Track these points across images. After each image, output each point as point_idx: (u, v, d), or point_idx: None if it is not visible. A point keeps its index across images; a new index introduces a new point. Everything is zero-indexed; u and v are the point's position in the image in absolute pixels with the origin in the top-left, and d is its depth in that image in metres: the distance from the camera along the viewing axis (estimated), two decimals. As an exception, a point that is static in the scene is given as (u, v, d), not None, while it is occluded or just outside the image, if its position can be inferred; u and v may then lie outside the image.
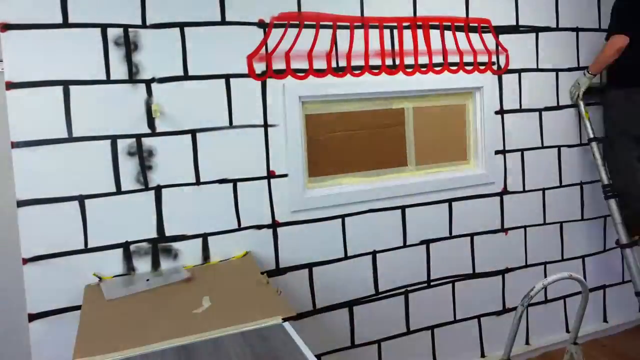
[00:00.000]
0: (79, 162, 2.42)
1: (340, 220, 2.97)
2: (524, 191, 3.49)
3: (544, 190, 3.56)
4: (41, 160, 2.36)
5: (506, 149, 3.40)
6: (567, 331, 3.71)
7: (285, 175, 2.82)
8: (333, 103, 2.97)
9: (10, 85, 2.30)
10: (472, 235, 3.35)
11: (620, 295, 3.90)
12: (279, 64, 2.78)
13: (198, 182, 2.64)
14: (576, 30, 3.59)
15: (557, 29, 3.52)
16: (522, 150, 3.46)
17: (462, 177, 3.29)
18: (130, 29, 2.47)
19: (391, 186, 3.08)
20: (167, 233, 2.60)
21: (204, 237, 2.67)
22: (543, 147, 3.54)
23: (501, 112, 3.36)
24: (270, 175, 2.80)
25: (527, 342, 3.61)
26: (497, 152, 3.37)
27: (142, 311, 2.05)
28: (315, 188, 2.95)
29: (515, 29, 3.37)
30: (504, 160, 3.40)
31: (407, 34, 3.06)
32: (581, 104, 3.54)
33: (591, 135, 3.52)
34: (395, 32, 3.03)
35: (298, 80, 2.82)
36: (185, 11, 2.57)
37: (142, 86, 2.51)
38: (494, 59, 3.31)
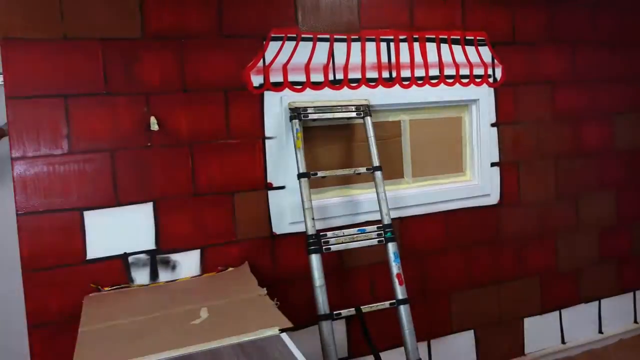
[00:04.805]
0: (78, 174, 2.44)
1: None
2: (520, 203, 3.52)
3: (540, 201, 3.59)
4: (41, 171, 2.38)
5: (502, 161, 3.43)
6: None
7: (282, 187, 2.84)
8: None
9: (10, 98, 2.33)
10: (468, 246, 3.37)
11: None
12: (276, 77, 2.80)
13: (196, 194, 2.66)
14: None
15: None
16: (518, 162, 3.49)
17: (458, 189, 3.31)
18: (128, 42, 2.51)
19: (388, 198, 3.09)
20: (165, 244, 2.61)
21: (202, 248, 2.68)
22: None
23: (497, 124, 3.39)
24: (268, 187, 2.82)
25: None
26: (493, 164, 3.40)
27: (141, 322, 2.06)
28: (313, 200, 2.95)
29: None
30: (500, 172, 3.43)
31: (404, 47, 3.10)
32: (294, 129, 2.77)
33: (301, 170, 2.71)
34: (392, 45, 3.07)
35: (295, 93, 2.84)
36: (184, 24, 2.60)
37: (141, 98, 2.54)
38: (490, 71, 3.35)
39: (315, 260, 2.62)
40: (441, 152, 3.32)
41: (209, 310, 2.12)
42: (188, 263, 2.66)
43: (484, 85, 3.34)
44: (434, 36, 3.18)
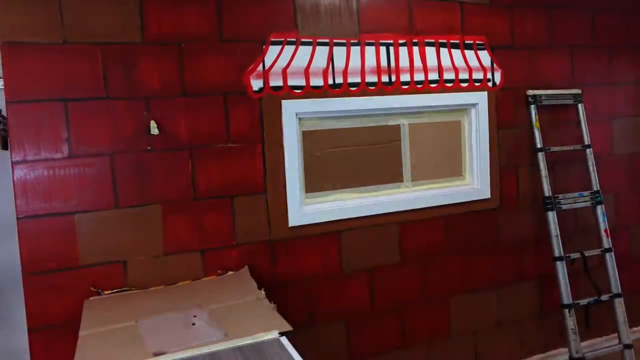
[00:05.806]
0: (78, 178, 2.44)
1: (337, 235, 2.99)
2: (519, 206, 3.53)
3: (540, 205, 3.59)
4: (41, 175, 2.39)
5: (501, 164, 3.44)
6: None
7: (282, 191, 2.85)
8: (330, 120, 3.00)
9: (10, 102, 2.34)
10: (467, 249, 3.37)
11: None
12: (276, 81, 2.81)
13: (196, 198, 2.66)
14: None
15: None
16: (517, 166, 3.49)
17: (457, 193, 3.32)
18: (128, 46, 2.52)
19: (388, 202, 3.10)
20: (166, 248, 2.62)
21: (202, 251, 2.69)
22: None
23: (496, 128, 3.39)
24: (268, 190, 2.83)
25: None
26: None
27: (141, 325, 2.07)
28: (312, 204, 2.96)
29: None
30: (499, 176, 3.43)
31: (403, 51, 3.10)
32: (533, 112, 3.50)
33: (538, 146, 3.48)
34: (392, 49, 3.07)
35: (295, 97, 2.85)
36: (184, 28, 2.61)
37: (141, 102, 2.54)
38: (489, 75, 3.35)
39: (551, 216, 3.42)
40: (441, 156, 3.32)
41: (208, 314, 2.12)
42: (188, 266, 2.66)
43: (483, 89, 3.35)
44: (433, 40, 3.19)
